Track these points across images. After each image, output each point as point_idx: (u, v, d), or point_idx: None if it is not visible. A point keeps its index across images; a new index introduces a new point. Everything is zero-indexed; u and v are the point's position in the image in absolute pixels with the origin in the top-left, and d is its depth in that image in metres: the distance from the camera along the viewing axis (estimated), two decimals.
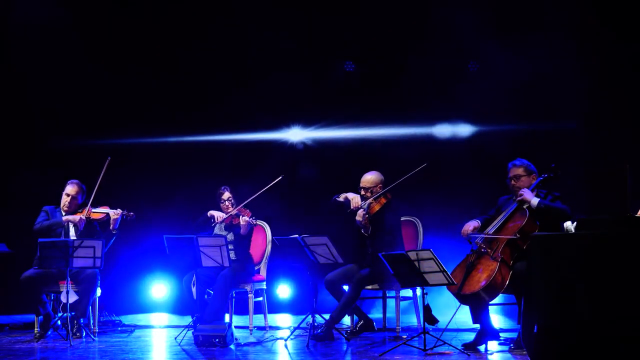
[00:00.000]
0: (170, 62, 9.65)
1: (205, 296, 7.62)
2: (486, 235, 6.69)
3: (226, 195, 7.96)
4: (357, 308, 7.55)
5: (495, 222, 6.77)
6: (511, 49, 8.81)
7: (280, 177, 7.83)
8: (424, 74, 9.22)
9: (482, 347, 6.60)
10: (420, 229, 7.98)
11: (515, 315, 6.80)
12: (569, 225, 6.27)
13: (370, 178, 7.53)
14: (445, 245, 8.27)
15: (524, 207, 6.68)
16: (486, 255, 6.60)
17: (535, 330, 5.18)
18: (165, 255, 7.56)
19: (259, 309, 8.17)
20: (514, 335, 6.91)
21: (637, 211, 6.15)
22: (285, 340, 7.32)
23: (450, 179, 9.10)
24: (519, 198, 6.71)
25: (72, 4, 9.44)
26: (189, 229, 7.81)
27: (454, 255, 7.17)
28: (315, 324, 7.25)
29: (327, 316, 7.31)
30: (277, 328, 8.26)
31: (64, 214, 7.90)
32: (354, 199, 7.43)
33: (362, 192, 7.50)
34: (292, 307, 9.46)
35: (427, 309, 6.64)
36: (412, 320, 8.12)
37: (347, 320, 7.77)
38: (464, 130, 9.39)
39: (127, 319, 8.81)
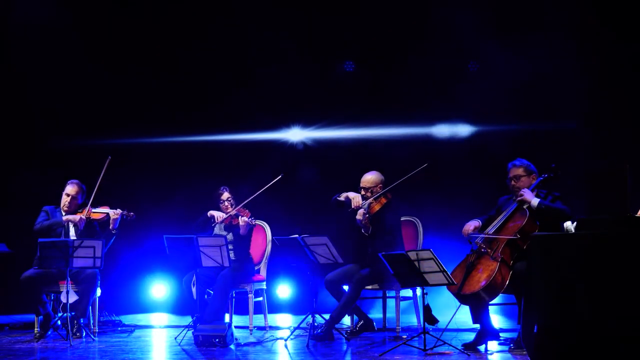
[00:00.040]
0: (170, 62, 9.66)
1: (205, 296, 7.62)
2: (486, 235, 6.68)
3: (225, 195, 7.96)
4: (357, 308, 7.55)
5: (495, 222, 6.77)
6: (511, 49, 8.81)
7: (280, 175, 7.83)
8: (424, 74, 9.22)
9: (482, 347, 6.60)
10: (420, 229, 7.98)
11: (515, 315, 6.79)
12: (569, 225, 6.27)
13: (370, 178, 7.53)
14: (445, 245, 8.27)
15: (524, 207, 6.68)
16: (486, 255, 6.60)
17: (535, 330, 5.18)
18: (165, 255, 7.56)
19: (259, 309, 8.17)
20: (514, 335, 6.91)
21: (637, 211, 6.16)
22: (285, 340, 7.32)
23: (450, 179, 9.10)
24: (519, 198, 6.71)
25: (72, 4, 9.45)
26: (189, 229, 7.80)
27: (454, 255, 7.17)
28: (315, 324, 7.25)
29: (327, 316, 7.31)
30: (277, 328, 8.26)
31: (64, 214, 7.90)
32: (355, 198, 7.44)
33: (363, 192, 7.50)
34: (292, 307, 9.46)
35: (427, 309, 6.64)
36: (412, 320, 8.12)
37: (347, 320, 7.77)
38: (464, 130, 9.39)
39: (127, 319, 8.81)
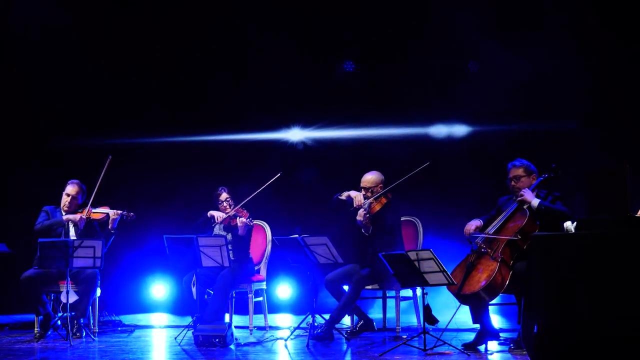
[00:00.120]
0: (170, 62, 9.65)
1: (205, 296, 7.62)
2: (486, 235, 6.68)
3: (224, 196, 7.95)
4: (357, 308, 7.55)
5: (496, 222, 6.77)
6: (511, 49, 8.81)
7: (279, 174, 7.82)
8: (424, 73, 9.22)
9: (482, 347, 6.60)
10: (420, 229, 7.98)
11: (515, 315, 6.79)
12: (569, 225, 6.27)
13: (370, 178, 7.54)
14: (445, 245, 8.28)
15: (524, 207, 6.68)
16: (486, 255, 6.60)
17: (535, 330, 5.18)
18: (165, 255, 7.56)
19: (259, 309, 8.17)
20: (514, 335, 6.91)
21: (637, 211, 6.16)
22: (285, 340, 7.32)
23: (451, 179, 9.10)
24: (519, 198, 6.71)
25: (72, 4, 9.45)
26: (189, 230, 7.80)
27: (454, 255, 7.18)
28: (315, 324, 7.25)
29: (327, 316, 7.31)
30: (277, 328, 8.26)
31: (64, 213, 7.90)
32: (357, 197, 7.44)
33: (363, 192, 7.50)
34: (292, 307, 9.46)
35: (427, 309, 6.63)
36: (412, 320, 8.11)
37: (347, 320, 7.77)
38: (464, 130, 9.39)
39: (127, 319, 8.81)
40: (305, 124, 9.67)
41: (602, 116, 8.81)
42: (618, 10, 8.66)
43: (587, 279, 4.98)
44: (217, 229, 7.97)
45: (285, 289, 9.54)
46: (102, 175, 7.79)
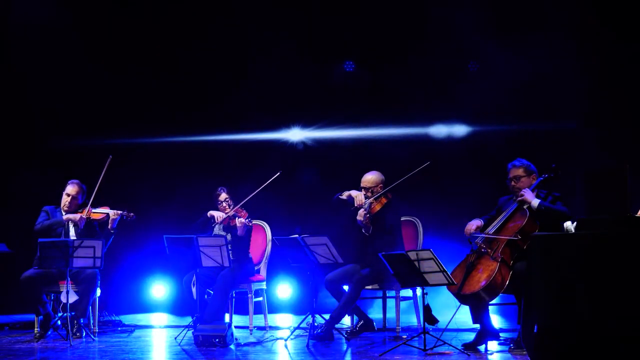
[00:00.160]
0: (170, 62, 9.66)
1: (205, 296, 7.62)
2: (486, 235, 6.68)
3: (223, 196, 7.95)
4: (357, 308, 7.55)
5: (496, 222, 6.77)
6: (511, 49, 8.81)
7: (278, 173, 7.82)
8: (424, 74, 9.22)
9: (482, 347, 6.60)
10: (420, 229, 7.98)
11: (515, 315, 6.79)
12: (569, 225, 6.26)
13: (371, 178, 7.54)
14: (445, 245, 8.28)
15: (525, 207, 6.68)
16: (486, 256, 6.60)
17: (535, 330, 5.18)
18: (165, 255, 7.56)
19: (259, 309, 8.17)
20: (514, 335, 6.91)
21: (637, 211, 6.16)
22: (285, 340, 7.32)
23: (451, 179, 9.10)
24: (519, 198, 6.71)
25: (72, 4, 9.45)
26: (189, 230, 7.79)
27: (454, 255, 7.18)
28: (315, 324, 7.25)
29: (327, 316, 7.31)
30: (277, 328, 8.26)
31: (64, 213, 7.90)
32: (358, 196, 7.44)
33: (363, 192, 7.50)
34: (292, 307, 9.46)
35: (427, 309, 6.63)
36: (412, 320, 8.11)
37: (347, 320, 7.77)
38: (464, 130, 9.39)
39: (127, 319, 8.81)
40: (305, 124, 9.68)
41: (602, 116, 8.81)
42: (618, 10, 8.66)
43: (587, 279, 4.98)
44: (217, 229, 7.97)
45: (285, 289, 9.54)
46: (102, 175, 7.79)
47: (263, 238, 8.28)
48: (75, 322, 7.51)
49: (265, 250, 8.23)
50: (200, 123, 9.66)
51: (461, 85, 9.18)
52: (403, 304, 8.01)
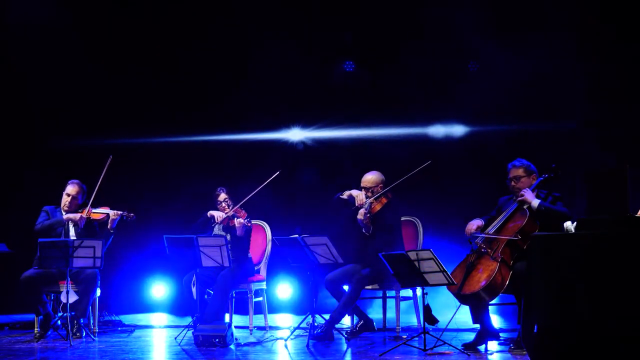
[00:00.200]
0: (170, 62, 9.65)
1: (205, 296, 7.62)
2: (487, 235, 6.68)
3: (222, 196, 7.94)
4: (357, 308, 7.55)
5: (496, 222, 6.76)
6: (511, 49, 8.81)
7: (278, 172, 7.82)
8: (424, 74, 9.22)
9: (482, 347, 6.60)
10: (420, 229, 7.98)
11: (515, 315, 6.79)
12: (569, 225, 6.26)
13: (371, 178, 7.54)
14: (445, 245, 8.28)
15: (525, 207, 6.68)
16: (486, 256, 6.60)
17: (535, 330, 5.17)
18: (165, 256, 7.56)
19: (259, 309, 8.17)
20: (514, 335, 6.91)
21: (637, 211, 6.16)
22: (285, 340, 7.32)
23: (450, 179, 9.10)
24: (519, 198, 6.70)
25: (72, 4, 9.44)
26: (189, 230, 7.79)
27: (454, 255, 7.18)
28: (315, 324, 7.25)
29: (327, 316, 7.31)
30: (277, 328, 8.26)
31: (64, 214, 7.90)
32: (359, 195, 7.44)
33: (363, 192, 7.50)
34: (292, 307, 9.46)
35: (427, 309, 6.63)
36: (412, 320, 8.11)
37: (347, 320, 7.77)
38: (464, 130, 9.39)
39: (127, 319, 8.81)
40: (305, 124, 9.67)
41: (602, 116, 8.81)
42: (618, 10, 8.66)
43: (587, 279, 4.98)
44: (217, 229, 7.97)
45: (285, 289, 9.54)
46: (102, 175, 7.79)
47: (263, 238, 8.28)
48: (75, 322, 7.51)
49: (265, 250, 8.23)
50: (200, 123, 9.66)
51: (461, 85, 9.18)
52: (403, 304, 8.01)
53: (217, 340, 6.92)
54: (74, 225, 7.87)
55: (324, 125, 9.61)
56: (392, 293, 7.62)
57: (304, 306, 8.87)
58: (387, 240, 7.35)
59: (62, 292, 7.56)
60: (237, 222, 7.70)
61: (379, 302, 8.13)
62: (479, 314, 6.61)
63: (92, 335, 7.62)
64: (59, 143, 9.61)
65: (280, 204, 9.21)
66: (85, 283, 7.60)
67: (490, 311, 6.70)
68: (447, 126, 9.39)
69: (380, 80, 9.48)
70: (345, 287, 7.51)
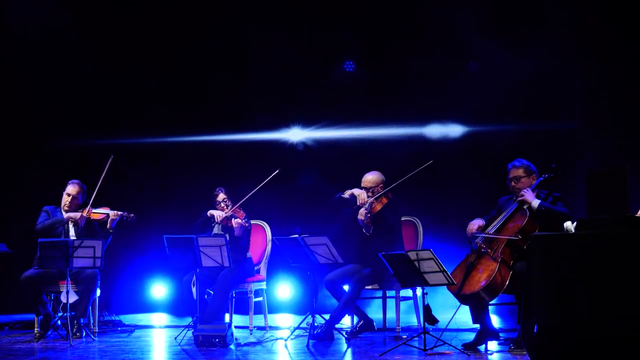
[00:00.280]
0: (170, 62, 9.66)
1: (205, 296, 7.62)
2: (487, 235, 6.68)
3: (221, 196, 7.94)
4: (357, 308, 7.55)
5: (496, 222, 6.76)
6: (511, 49, 8.81)
7: (277, 171, 7.82)
8: (423, 73, 9.22)
9: (482, 347, 6.60)
10: (420, 229, 7.98)
11: (515, 315, 6.79)
12: (569, 225, 6.26)
13: (371, 178, 7.54)
14: (445, 245, 8.28)
15: (525, 207, 6.68)
16: (486, 256, 6.60)
17: (535, 330, 5.17)
18: (165, 255, 7.56)
19: (259, 309, 8.17)
20: (514, 335, 6.91)
21: (637, 211, 6.16)
22: (285, 340, 7.32)
23: (450, 179, 9.10)
24: (519, 199, 6.70)
25: (72, 4, 9.44)
26: (189, 230, 7.79)
27: (454, 255, 7.18)
28: (315, 324, 7.25)
29: (327, 316, 7.31)
30: (277, 328, 8.26)
31: (64, 213, 7.90)
32: (361, 194, 7.45)
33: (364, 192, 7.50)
34: (292, 307, 9.46)
35: (427, 309, 6.63)
36: (412, 320, 8.11)
37: (347, 320, 7.77)
38: (464, 130, 9.39)
39: (127, 319, 8.81)
40: (305, 124, 9.67)
41: (602, 116, 8.81)
42: (618, 10, 8.66)
43: (587, 279, 4.98)
44: (217, 229, 7.97)
45: (285, 289, 9.54)
46: (103, 175, 7.79)
47: (263, 238, 8.28)
48: (75, 322, 7.51)
49: (265, 250, 8.23)
50: (200, 123, 9.66)
51: (461, 85, 9.18)
52: (403, 304, 8.01)
53: (217, 340, 6.92)
54: (74, 225, 7.87)
55: (324, 125, 9.61)
56: (392, 293, 7.61)
57: (304, 306, 8.87)
58: (387, 240, 7.35)
59: (62, 292, 7.56)
60: (235, 222, 7.70)
61: (379, 302, 8.13)
62: (479, 314, 6.61)
63: (92, 335, 7.62)
64: (59, 143, 9.61)
65: (280, 204, 9.21)
66: (85, 283, 7.61)
67: (490, 311, 6.70)
68: (447, 126, 9.39)
69: (380, 80, 9.48)
70: (346, 287, 7.51)
